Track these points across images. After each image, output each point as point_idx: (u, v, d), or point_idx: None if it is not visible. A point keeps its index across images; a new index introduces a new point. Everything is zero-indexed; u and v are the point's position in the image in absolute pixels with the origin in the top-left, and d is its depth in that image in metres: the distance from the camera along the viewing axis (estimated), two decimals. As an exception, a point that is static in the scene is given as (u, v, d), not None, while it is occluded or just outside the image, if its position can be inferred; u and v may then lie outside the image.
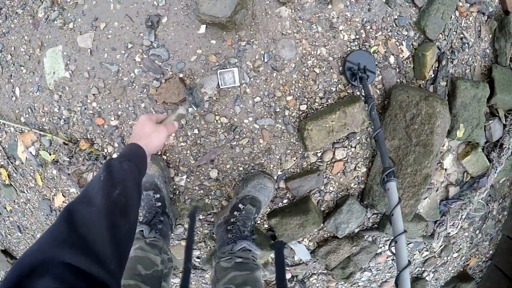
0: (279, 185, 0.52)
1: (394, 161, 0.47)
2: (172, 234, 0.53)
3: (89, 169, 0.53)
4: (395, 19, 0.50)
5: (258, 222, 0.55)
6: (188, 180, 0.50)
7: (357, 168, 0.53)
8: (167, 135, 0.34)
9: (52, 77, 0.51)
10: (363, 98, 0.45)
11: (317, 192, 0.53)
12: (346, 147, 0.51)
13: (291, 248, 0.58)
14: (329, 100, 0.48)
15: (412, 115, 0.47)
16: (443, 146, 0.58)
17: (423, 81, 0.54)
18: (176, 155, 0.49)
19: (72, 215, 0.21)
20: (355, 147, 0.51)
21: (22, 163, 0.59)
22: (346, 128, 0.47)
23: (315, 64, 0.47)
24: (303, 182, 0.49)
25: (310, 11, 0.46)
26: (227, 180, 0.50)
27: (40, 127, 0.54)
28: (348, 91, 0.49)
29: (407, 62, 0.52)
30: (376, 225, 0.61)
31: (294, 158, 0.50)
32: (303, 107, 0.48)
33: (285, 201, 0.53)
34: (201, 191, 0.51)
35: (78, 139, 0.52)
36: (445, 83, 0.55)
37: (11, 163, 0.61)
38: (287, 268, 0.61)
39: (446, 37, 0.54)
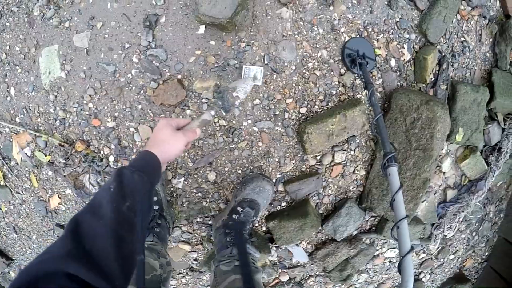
0: (278, 188, 0.51)
1: (395, 146, 0.46)
2: (169, 237, 0.52)
3: (85, 171, 0.52)
4: (397, 21, 0.49)
5: (256, 225, 0.55)
6: (186, 182, 0.49)
7: (356, 171, 0.53)
8: (186, 143, 0.31)
9: (47, 77, 0.50)
10: (363, 84, 0.45)
11: (315, 195, 0.53)
12: (345, 150, 0.50)
13: (289, 251, 0.58)
14: (329, 103, 0.48)
15: (412, 119, 0.47)
16: (442, 149, 0.58)
17: (424, 85, 0.53)
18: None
19: (79, 226, 0.20)
20: (354, 150, 0.51)
21: (18, 164, 0.58)
22: (346, 132, 0.46)
23: (316, 67, 0.46)
24: (302, 185, 0.49)
25: (312, 12, 0.45)
26: (225, 183, 0.50)
27: (36, 127, 0.53)
28: (349, 94, 0.48)
29: (408, 65, 0.51)
30: (374, 228, 0.60)
31: (293, 161, 0.49)
32: (303, 110, 0.47)
33: (283, 204, 0.53)
34: (199, 194, 0.51)
35: (74, 141, 0.51)
36: (446, 86, 0.55)
37: (6, 163, 0.59)
38: (285, 270, 0.60)
39: (447, 40, 0.53)
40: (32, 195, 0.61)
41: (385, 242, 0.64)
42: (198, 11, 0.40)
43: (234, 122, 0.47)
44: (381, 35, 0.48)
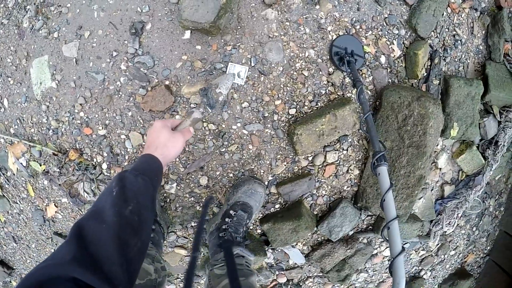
0: (271, 191, 0.51)
1: (385, 145, 0.46)
2: (164, 242, 0.52)
3: (80, 179, 0.52)
4: (386, 17, 0.48)
5: (251, 227, 0.54)
6: (178, 187, 0.49)
7: (350, 171, 0.52)
8: (184, 143, 0.31)
9: (39, 87, 0.50)
10: (351, 81, 0.44)
11: (309, 196, 0.52)
12: (337, 150, 0.50)
13: (285, 253, 0.57)
14: (319, 103, 0.47)
15: (404, 116, 0.46)
16: (437, 145, 0.57)
17: (416, 80, 0.52)
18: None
19: (82, 231, 0.20)
20: (347, 150, 0.50)
21: (14, 174, 0.58)
22: (337, 131, 0.45)
23: (304, 67, 0.46)
24: (295, 187, 0.48)
25: (297, 12, 0.45)
26: (218, 187, 0.49)
27: (30, 138, 0.53)
28: (338, 93, 0.48)
29: (398, 62, 0.50)
30: (370, 227, 0.60)
31: (285, 163, 0.49)
32: (292, 111, 0.47)
33: (277, 206, 0.52)
34: (192, 199, 0.50)
35: (67, 149, 0.51)
36: (438, 81, 0.54)
37: (3, 174, 0.60)
38: (282, 272, 0.60)
39: (438, 34, 0.52)
40: (29, 204, 0.61)
41: (383, 241, 0.63)
42: (181, 16, 0.39)
43: (223, 125, 0.46)
44: (370, 32, 0.48)
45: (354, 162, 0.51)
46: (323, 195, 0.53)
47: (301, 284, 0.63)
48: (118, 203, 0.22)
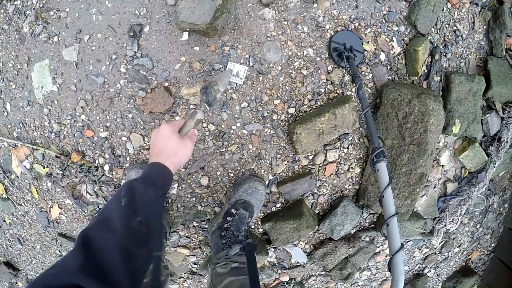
0: (271, 190, 0.51)
1: (385, 142, 0.45)
2: (167, 242, 0.53)
3: (82, 181, 0.53)
4: (385, 14, 0.48)
5: (253, 226, 0.55)
6: (180, 188, 0.50)
7: (351, 169, 0.52)
8: (193, 148, 0.31)
9: (40, 91, 0.51)
10: (350, 77, 0.44)
11: (310, 195, 0.52)
12: (338, 148, 0.50)
13: (287, 251, 0.57)
14: (318, 102, 0.47)
15: (404, 113, 0.46)
16: (439, 142, 0.56)
17: (416, 77, 0.52)
18: (166, 164, 0.48)
19: (89, 241, 0.20)
20: (347, 148, 0.50)
21: (18, 176, 0.60)
22: (337, 130, 0.45)
23: (302, 66, 0.46)
24: (296, 186, 0.49)
25: (295, 11, 0.45)
26: (219, 187, 0.50)
27: (33, 141, 0.54)
28: (338, 91, 0.48)
29: (398, 59, 0.50)
30: (373, 225, 0.60)
31: (285, 162, 0.49)
32: (292, 110, 0.47)
33: (278, 205, 0.52)
34: (193, 199, 0.51)
35: (70, 152, 0.52)
36: (439, 78, 0.53)
37: (7, 177, 0.61)
38: (284, 271, 0.60)
39: (438, 30, 0.52)
40: (33, 206, 0.62)
41: (386, 239, 0.63)
42: (177, 18, 0.40)
43: (223, 126, 0.47)
44: (369, 29, 0.48)
45: (355, 161, 0.51)
46: (324, 193, 0.53)
47: (303, 282, 0.64)
48: (126, 214, 0.22)
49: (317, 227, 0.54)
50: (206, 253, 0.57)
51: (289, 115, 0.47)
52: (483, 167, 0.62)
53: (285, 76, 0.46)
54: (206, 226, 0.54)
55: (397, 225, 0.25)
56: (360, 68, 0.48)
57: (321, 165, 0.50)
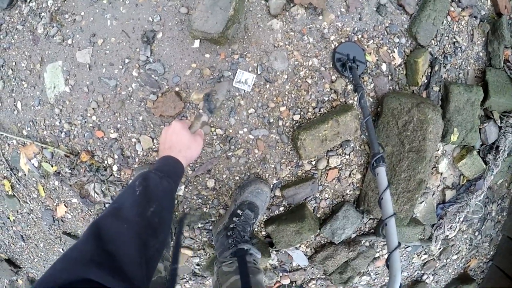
0: (275, 193, 0.54)
1: (384, 148, 0.48)
2: (172, 242, 0.55)
3: (90, 180, 0.55)
4: (386, 27, 0.51)
5: (256, 229, 0.57)
6: (186, 190, 0.52)
7: (352, 175, 0.55)
8: (202, 144, 0.32)
9: (52, 91, 0.54)
10: (353, 86, 0.47)
11: (312, 199, 0.55)
12: (340, 154, 0.53)
13: (289, 254, 0.60)
14: (322, 110, 0.50)
15: (404, 122, 0.49)
16: (438, 150, 0.59)
17: (416, 87, 0.55)
18: (174, 166, 0.51)
19: (101, 230, 0.20)
20: (349, 155, 0.53)
21: (25, 174, 0.62)
22: (339, 137, 0.48)
23: (307, 75, 0.49)
24: (298, 190, 0.51)
25: (301, 22, 0.48)
26: (224, 190, 0.52)
27: (42, 139, 0.57)
28: (341, 100, 0.51)
29: (399, 69, 0.53)
30: (373, 230, 0.62)
31: (289, 167, 0.52)
32: (296, 117, 0.50)
33: (281, 208, 0.55)
34: (199, 200, 0.53)
35: (79, 151, 0.54)
36: (439, 88, 0.56)
37: (14, 174, 0.63)
38: (286, 274, 0.62)
39: (438, 42, 0.55)
40: (39, 204, 0.64)
41: (385, 244, 0.65)
42: (191, 27, 0.43)
43: (230, 130, 0.49)
44: (371, 41, 0.51)
45: (356, 167, 0.54)
46: (326, 198, 0.55)
47: (304, 286, 0.66)
48: (141, 203, 0.22)
49: (318, 231, 0.56)
50: (209, 255, 0.59)
51: (294, 122, 0.50)
52: (481, 175, 0.65)
53: (291, 85, 0.49)
54: (210, 227, 0.56)
55: (394, 225, 0.27)
56: (363, 78, 0.51)
57: (323, 170, 0.53)
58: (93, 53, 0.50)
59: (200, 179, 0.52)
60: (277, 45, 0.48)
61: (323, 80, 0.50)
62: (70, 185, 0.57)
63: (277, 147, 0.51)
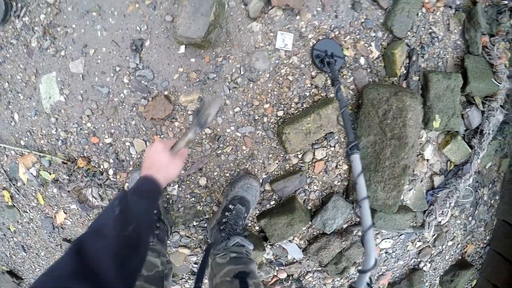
0: (265, 188, 0.57)
1: (358, 135, 0.51)
2: (168, 242, 0.59)
3: (88, 185, 0.59)
4: (362, 22, 0.55)
5: (249, 224, 0.61)
6: (180, 189, 0.56)
7: (339, 166, 0.58)
8: (182, 165, 0.34)
9: (48, 101, 0.58)
10: (330, 81, 0.50)
11: (302, 192, 0.58)
12: (325, 147, 0.56)
13: (283, 248, 0.63)
14: (304, 104, 0.54)
15: (384, 111, 0.52)
16: (422, 137, 0.62)
17: (396, 78, 0.59)
18: (167, 166, 0.55)
19: (83, 247, 0.21)
20: (334, 146, 0.57)
21: (24, 184, 0.66)
22: (322, 129, 0.52)
23: (288, 72, 0.53)
24: (287, 183, 0.55)
25: (280, 23, 0.52)
26: (216, 187, 0.56)
27: (40, 149, 0.61)
28: (322, 94, 0.54)
29: (377, 62, 0.57)
30: (364, 219, 0.65)
31: (277, 161, 0.56)
32: (280, 113, 0.54)
33: (272, 202, 0.58)
34: (193, 199, 0.57)
35: (76, 158, 0.58)
36: (418, 77, 0.60)
37: (13, 185, 0.67)
38: (282, 268, 0.65)
39: (414, 33, 0.59)
40: (39, 212, 0.68)
41: (378, 233, 0.68)
42: (176, 33, 0.47)
43: (218, 129, 0.53)
44: (348, 37, 0.55)
45: (343, 158, 0.58)
46: (315, 190, 0.59)
47: (301, 279, 0.69)
48: (120, 222, 0.24)
49: (310, 222, 0.59)
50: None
51: (278, 118, 0.54)
52: (467, 159, 0.68)
53: (273, 83, 0.53)
54: (205, 225, 0.60)
55: (368, 207, 0.31)
56: (342, 72, 0.55)
57: (310, 163, 0.56)
58: (85, 63, 0.55)
59: (193, 177, 0.55)
60: (258, 46, 0.51)
61: (304, 77, 0.53)
62: (68, 191, 0.61)
63: (263, 143, 0.54)
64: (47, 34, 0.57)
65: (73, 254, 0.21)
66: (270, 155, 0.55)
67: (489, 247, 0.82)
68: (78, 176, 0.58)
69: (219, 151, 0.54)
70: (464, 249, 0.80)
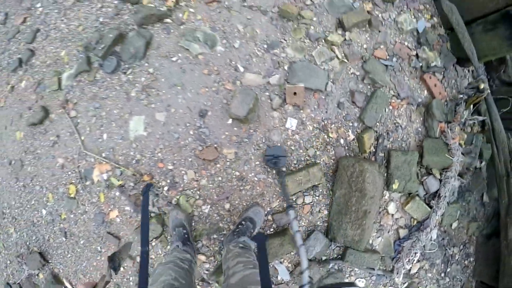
0: (268, 218, 1.14)
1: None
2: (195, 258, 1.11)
3: (146, 195, 1.16)
4: (344, 116, 1.21)
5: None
6: (211, 209, 1.14)
7: (321, 211, 1.15)
8: None
9: (134, 133, 1.22)
10: (277, 176, 1.10)
11: (293, 224, 1.12)
12: (312, 195, 1.15)
13: (275, 268, 1.11)
14: (300, 165, 1.15)
15: (351, 172, 1.11)
16: (385, 196, 1.19)
17: (366, 154, 1.18)
18: (206, 192, 1.12)
19: None
20: (318, 196, 1.15)
21: (93, 183, 1.24)
22: (309, 182, 1.11)
23: (291, 144, 1.15)
24: (283, 217, 1.11)
25: (290, 113, 1.18)
26: (235, 212, 1.13)
27: (116, 162, 1.20)
28: (311, 160, 1.15)
29: (353, 142, 1.19)
30: (339, 256, 1.15)
31: (278, 200, 1.14)
32: (284, 169, 1.13)
33: (271, 229, 1.14)
34: (218, 217, 1.14)
35: (143, 173, 1.17)
36: (383, 154, 1.20)
37: (82, 182, 1.25)
38: None
39: (382, 124, 1.22)
40: (95, 208, 1.24)
41: (352, 270, 1.17)
42: (229, 111, 1.13)
43: (243, 173, 1.14)
44: (333, 125, 1.19)
45: (324, 206, 1.16)
46: (302, 226, 1.13)
47: (286, 301, 1.14)
48: None
49: (297, 249, 1.10)
50: (217, 262, 1.14)
51: (284, 171, 1.13)
52: (427, 216, 1.20)
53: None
54: (222, 239, 1.13)
55: (295, 214, 0.85)
56: (327, 149, 1.15)
57: (300, 205, 1.14)
58: (167, 115, 1.20)
59: (221, 202, 1.13)
60: (275, 126, 1.16)
61: (300, 149, 1.15)
62: (129, 195, 1.18)
63: (271, 186, 1.14)
64: (144, 91, 1.25)
65: None
66: (274, 195, 1.13)
67: (466, 308, 1.22)
68: (141, 186, 1.16)
69: (242, 188, 1.13)
70: (441, 307, 1.23)
